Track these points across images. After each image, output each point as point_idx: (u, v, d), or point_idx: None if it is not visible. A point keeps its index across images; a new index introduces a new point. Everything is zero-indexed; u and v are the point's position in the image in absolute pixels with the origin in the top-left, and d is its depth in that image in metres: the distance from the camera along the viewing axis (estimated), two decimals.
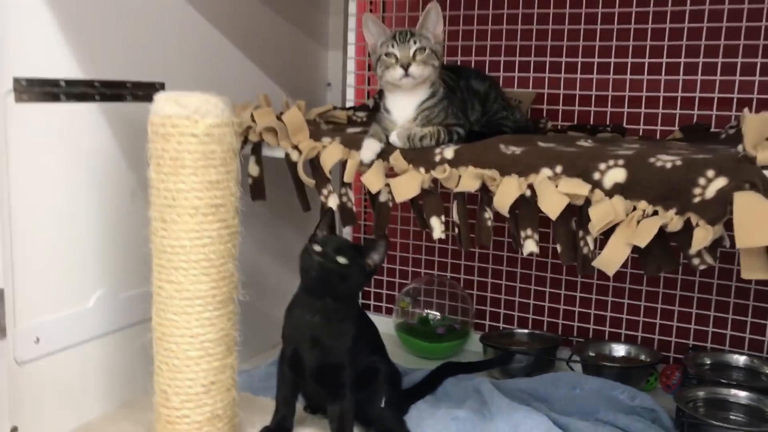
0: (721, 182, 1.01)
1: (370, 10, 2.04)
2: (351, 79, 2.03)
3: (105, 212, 1.41)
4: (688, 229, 1.03)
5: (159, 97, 1.18)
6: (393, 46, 1.29)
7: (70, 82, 1.31)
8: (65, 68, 1.30)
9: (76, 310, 1.37)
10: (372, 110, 1.77)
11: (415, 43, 1.28)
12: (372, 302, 2.11)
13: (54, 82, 1.28)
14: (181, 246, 1.18)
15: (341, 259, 1.28)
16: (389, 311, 2.04)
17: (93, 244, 1.39)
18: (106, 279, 1.42)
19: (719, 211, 0.99)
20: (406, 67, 1.27)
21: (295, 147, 1.38)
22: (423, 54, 1.28)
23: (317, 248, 1.29)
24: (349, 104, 2.02)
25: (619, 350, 1.75)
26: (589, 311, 1.85)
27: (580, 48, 1.77)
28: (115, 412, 1.46)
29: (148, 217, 1.22)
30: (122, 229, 1.43)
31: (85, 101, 1.34)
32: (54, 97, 1.28)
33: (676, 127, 1.66)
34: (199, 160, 1.17)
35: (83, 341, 1.39)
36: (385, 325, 1.90)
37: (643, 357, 1.71)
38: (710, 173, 1.02)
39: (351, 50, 2.02)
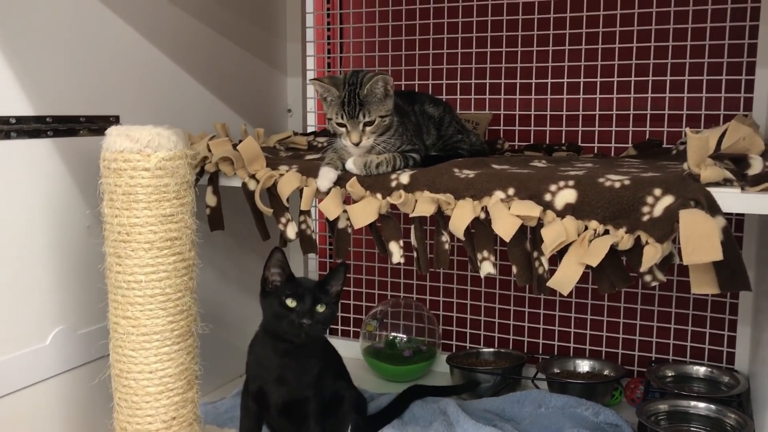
0: (668, 200, 1.03)
1: (328, 37, 2.06)
2: (311, 105, 2.04)
3: (61, 248, 1.38)
4: (638, 247, 1.05)
5: (110, 131, 1.17)
6: (342, 117, 1.29)
7: (21, 119, 1.29)
8: (15, 105, 1.28)
9: (33, 348, 1.34)
10: (332, 135, 1.77)
11: (363, 116, 1.28)
12: (339, 327, 2.11)
13: (4, 120, 1.26)
14: (136, 281, 1.17)
15: (320, 308, 1.28)
16: (356, 335, 2.04)
17: (49, 281, 1.37)
18: (64, 316, 1.40)
19: (667, 228, 1.01)
20: (356, 144, 1.29)
21: (252, 176, 1.38)
22: (372, 126, 1.29)
23: (291, 304, 1.26)
24: (309, 129, 2.03)
25: (584, 366, 1.77)
26: (553, 328, 1.87)
27: (534, 69, 1.80)
28: None
29: (104, 252, 1.20)
30: (79, 265, 1.41)
31: (37, 137, 1.32)
32: (5, 135, 1.27)
33: (630, 144, 1.69)
34: (152, 194, 1.16)
35: (40, 380, 1.36)
36: (351, 349, 1.90)
37: (607, 372, 1.73)
38: (657, 192, 1.05)
39: (310, 76, 2.03)
